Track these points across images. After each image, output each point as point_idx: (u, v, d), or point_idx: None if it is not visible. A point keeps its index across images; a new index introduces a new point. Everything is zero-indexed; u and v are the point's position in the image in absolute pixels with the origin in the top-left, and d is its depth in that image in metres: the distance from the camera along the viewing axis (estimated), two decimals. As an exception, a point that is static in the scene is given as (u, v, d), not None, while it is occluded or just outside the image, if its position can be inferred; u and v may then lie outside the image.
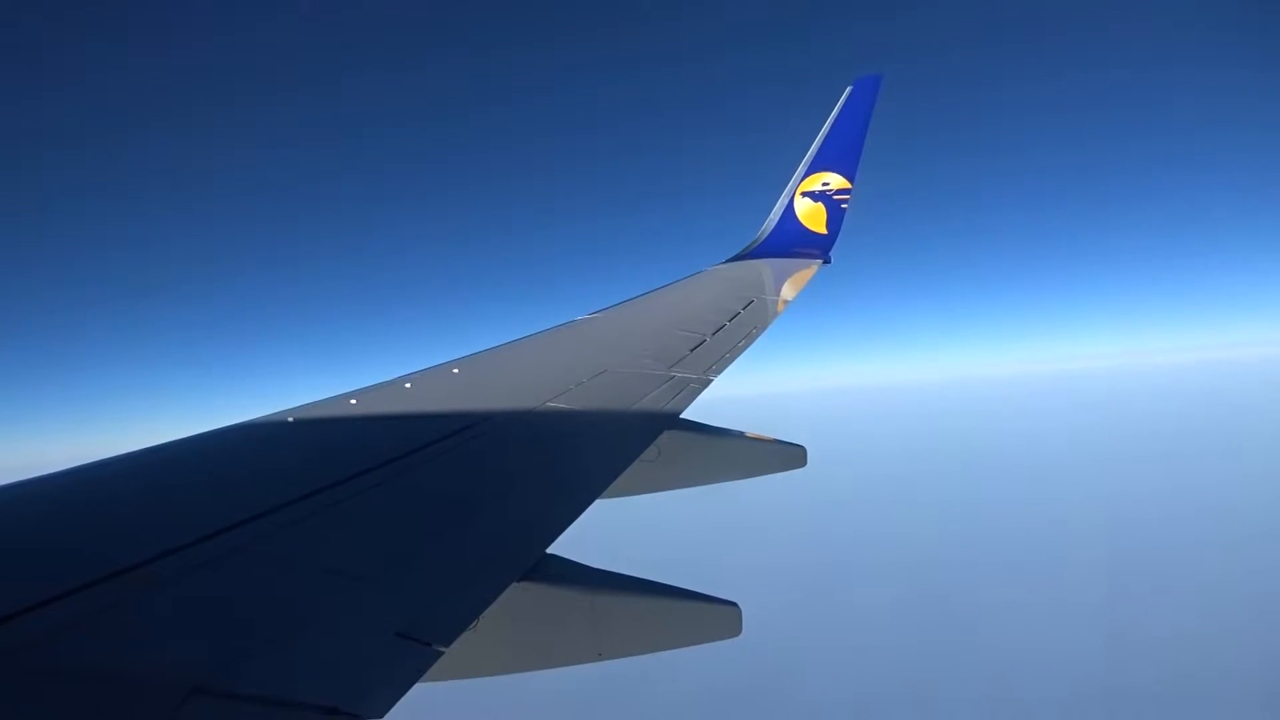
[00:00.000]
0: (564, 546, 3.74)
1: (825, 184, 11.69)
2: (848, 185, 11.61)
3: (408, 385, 5.71)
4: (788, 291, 10.17)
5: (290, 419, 4.84)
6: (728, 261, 11.78)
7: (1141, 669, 55.95)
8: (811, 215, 11.75)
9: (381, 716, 2.26)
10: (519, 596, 3.34)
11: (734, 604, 3.99)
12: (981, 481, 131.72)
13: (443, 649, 2.63)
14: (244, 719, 2.12)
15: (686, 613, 3.98)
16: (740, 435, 6.37)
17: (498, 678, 3.84)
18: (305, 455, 4.47)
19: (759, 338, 8.11)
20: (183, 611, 2.58)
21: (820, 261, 11.46)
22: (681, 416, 5.84)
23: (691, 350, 7.29)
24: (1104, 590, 72.40)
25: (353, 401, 5.24)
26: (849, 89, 11.59)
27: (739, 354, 7.51)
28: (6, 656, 2.12)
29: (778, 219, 11.95)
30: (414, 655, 2.56)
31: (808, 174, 11.80)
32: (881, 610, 70.28)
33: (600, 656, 3.75)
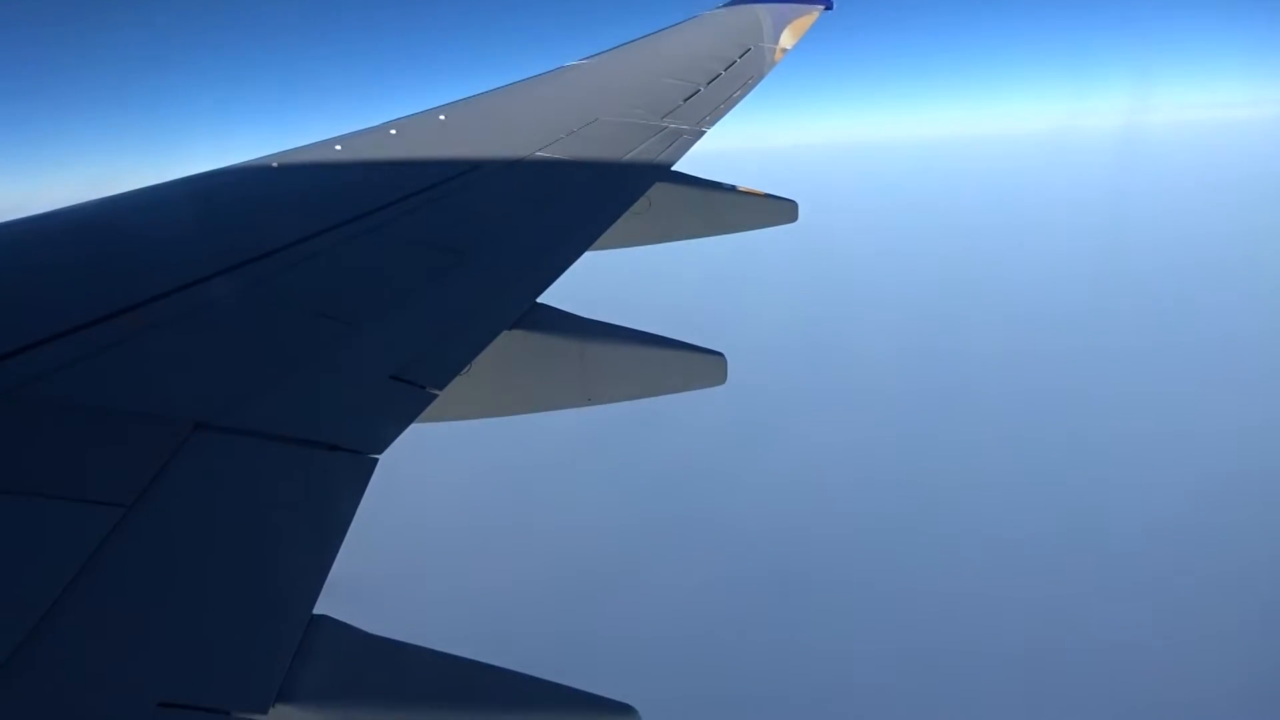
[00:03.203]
0: (554, 297, 3.79)
1: (831, -81, 10.94)
2: None
3: (393, 132, 5.59)
4: (786, 39, 9.76)
5: (275, 164, 4.77)
6: (724, 6, 11.24)
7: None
8: (815, -45, 11.09)
9: (380, 453, 2.37)
10: (510, 344, 3.42)
11: (719, 354, 4.10)
12: (981, 247, 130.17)
13: (436, 392, 2.72)
14: (247, 453, 2.22)
15: (673, 361, 4.10)
16: (732, 189, 6.31)
17: (492, 421, 4.00)
18: (293, 201, 4.44)
19: (755, 88, 7.87)
20: (180, 352, 2.64)
21: (821, 7, 10.92)
22: (673, 169, 5.77)
23: (685, 100, 7.10)
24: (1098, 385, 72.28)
25: (338, 148, 5.14)
26: None
27: (734, 105, 7.32)
28: (12, 392, 2.19)
29: None
30: (409, 397, 2.65)
31: None
32: (868, 366, 72.02)
33: (589, 401, 3.90)
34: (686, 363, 4.11)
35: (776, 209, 6.38)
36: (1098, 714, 32.47)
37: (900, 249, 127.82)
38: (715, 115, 6.92)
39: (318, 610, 1.86)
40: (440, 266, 3.68)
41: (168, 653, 1.62)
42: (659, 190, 5.51)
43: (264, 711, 1.54)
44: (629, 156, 5.65)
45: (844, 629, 38.14)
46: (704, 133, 6.49)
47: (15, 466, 1.95)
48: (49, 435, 2.09)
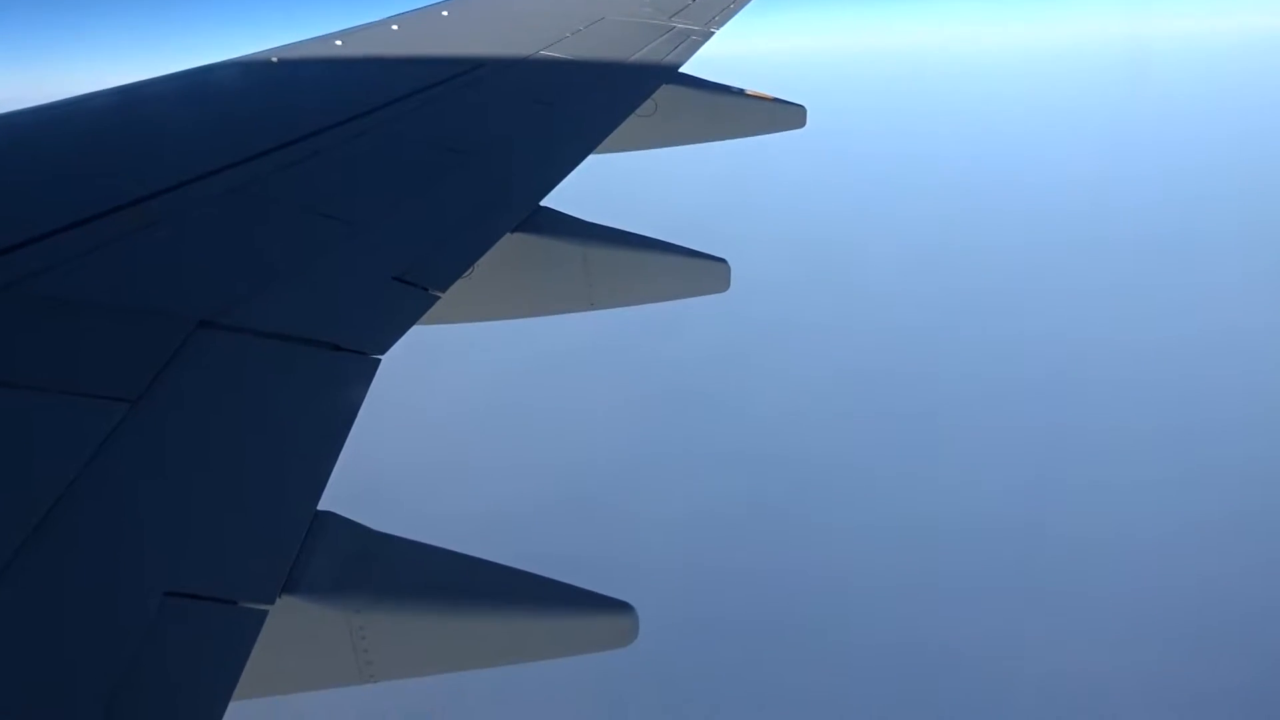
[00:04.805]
0: (557, 200, 3.76)
1: None
2: None
3: (395, 27, 5.47)
4: None
5: (275, 59, 4.68)
6: None
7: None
8: None
9: (382, 354, 2.38)
10: (513, 246, 3.40)
11: (723, 260, 4.09)
12: (991, 159, 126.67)
13: (439, 294, 2.72)
14: (250, 352, 2.23)
15: (677, 267, 4.09)
16: (740, 93, 6.21)
17: (494, 324, 4.01)
18: (292, 98, 4.37)
19: None
20: (184, 249, 2.63)
21: None
22: (680, 71, 5.67)
23: None
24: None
25: (338, 43, 5.04)
26: None
27: (744, 5, 7.16)
28: (18, 286, 2.19)
29: None
30: (411, 298, 2.65)
31: None
32: (873, 274, 71.35)
33: (592, 306, 3.90)
34: (690, 269, 4.10)
35: (784, 114, 6.28)
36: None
37: (909, 157, 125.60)
38: (725, 15, 6.77)
39: (322, 507, 1.90)
40: (443, 167, 3.65)
41: (175, 545, 1.65)
42: (665, 92, 5.42)
43: (270, 602, 1.58)
44: (635, 57, 5.55)
45: (846, 537, 38.70)
46: (713, 34, 6.36)
47: (21, 360, 1.96)
48: (55, 330, 2.10)
